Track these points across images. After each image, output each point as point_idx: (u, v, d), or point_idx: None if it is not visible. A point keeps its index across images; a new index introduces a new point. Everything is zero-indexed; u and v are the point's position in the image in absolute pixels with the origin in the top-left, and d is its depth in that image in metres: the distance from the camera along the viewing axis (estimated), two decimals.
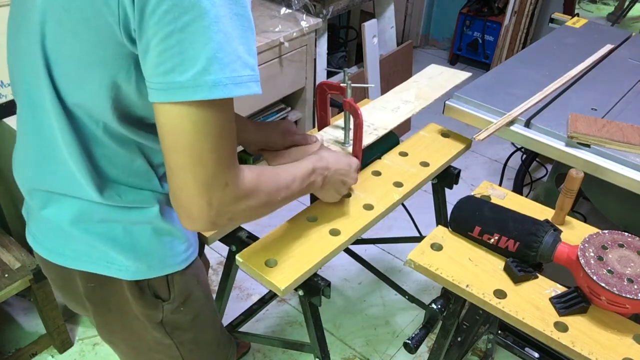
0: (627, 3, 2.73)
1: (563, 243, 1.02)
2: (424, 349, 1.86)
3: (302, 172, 0.96)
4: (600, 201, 1.59)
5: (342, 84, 1.19)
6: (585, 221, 1.18)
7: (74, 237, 0.86)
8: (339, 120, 1.36)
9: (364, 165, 1.28)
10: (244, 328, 1.71)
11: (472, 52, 3.61)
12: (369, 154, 1.30)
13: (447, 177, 1.41)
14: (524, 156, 2.33)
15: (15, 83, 0.86)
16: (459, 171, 1.41)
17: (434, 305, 1.12)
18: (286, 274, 1.01)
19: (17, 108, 0.89)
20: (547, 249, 1.02)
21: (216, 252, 2.19)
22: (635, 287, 0.91)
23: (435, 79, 1.52)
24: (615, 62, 1.63)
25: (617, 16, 2.97)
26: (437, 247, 1.10)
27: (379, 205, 1.18)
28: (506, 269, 1.05)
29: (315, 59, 2.36)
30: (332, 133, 1.33)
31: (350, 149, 1.26)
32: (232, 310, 1.76)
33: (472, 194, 1.20)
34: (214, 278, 2.07)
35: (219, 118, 0.70)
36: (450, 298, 1.14)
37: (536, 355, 1.58)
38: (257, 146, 1.20)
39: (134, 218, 0.85)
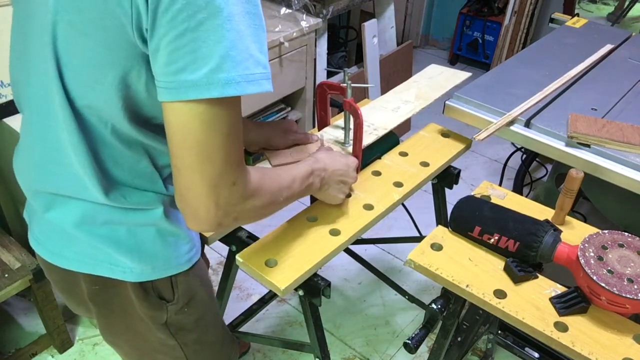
0: (627, 3, 2.73)
1: (563, 243, 1.02)
2: (424, 349, 1.86)
3: (301, 173, 0.96)
4: (600, 201, 1.59)
5: (342, 84, 1.19)
6: (585, 221, 1.18)
7: (77, 239, 0.86)
8: (339, 120, 1.36)
9: (364, 165, 1.28)
10: (244, 328, 1.71)
11: (472, 52, 3.61)
12: (369, 154, 1.30)
13: (447, 177, 1.41)
14: (524, 156, 2.33)
15: (18, 85, 0.85)
16: (459, 171, 1.41)
17: (434, 305, 1.12)
18: (286, 274, 1.01)
19: (19, 110, 0.89)
20: (547, 249, 1.02)
21: (216, 252, 2.19)
22: (635, 287, 0.91)
23: (435, 79, 1.52)
24: (615, 62, 1.63)
25: (617, 16, 2.97)
26: (437, 247, 1.10)
27: (379, 205, 1.18)
28: (506, 269, 1.05)
29: (315, 59, 2.36)
30: (332, 133, 1.33)
31: (350, 149, 1.26)
32: (232, 310, 1.76)
33: (472, 194, 1.20)
34: (214, 278, 2.07)
35: (229, 116, 0.70)
36: (450, 298, 1.14)
37: (536, 355, 1.58)
38: (259, 145, 1.20)
39: (138, 220, 0.85)
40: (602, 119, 1.33)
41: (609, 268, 0.94)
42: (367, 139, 1.28)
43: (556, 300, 0.99)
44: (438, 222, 1.58)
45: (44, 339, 1.81)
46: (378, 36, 2.54)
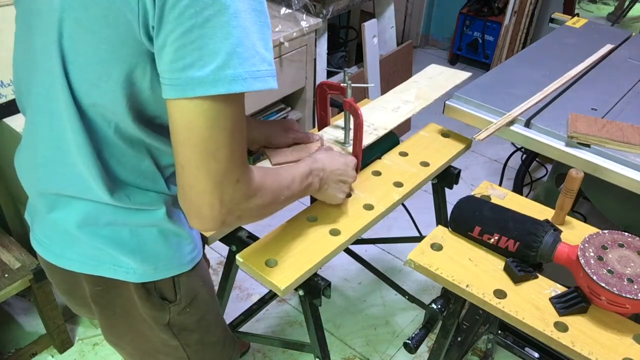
0: (627, 3, 2.73)
1: (563, 243, 1.02)
2: (424, 349, 1.86)
3: (300, 172, 0.97)
4: (600, 201, 1.59)
5: (342, 84, 1.19)
6: (585, 221, 1.18)
7: (80, 240, 0.86)
8: (339, 120, 1.36)
9: (364, 165, 1.28)
10: (244, 328, 1.71)
11: (472, 52, 3.61)
12: (369, 154, 1.30)
13: (447, 177, 1.41)
14: (524, 156, 2.33)
15: (21, 84, 0.85)
16: (459, 171, 1.41)
17: (434, 305, 1.12)
18: (286, 273, 1.01)
19: (20, 110, 0.89)
20: (547, 249, 1.02)
21: (216, 252, 2.19)
22: (635, 287, 0.91)
23: (435, 79, 1.52)
24: (615, 62, 1.63)
25: (617, 16, 2.97)
26: (437, 247, 1.10)
27: (379, 205, 1.18)
28: (506, 269, 1.05)
29: (315, 59, 2.36)
30: (332, 133, 1.33)
31: (350, 149, 1.26)
32: (232, 310, 1.76)
33: (472, 194, 1.20)
34: (214, 278, 2.07)
35: (233, 113, 0.70)
36: (450, 298, 1.14)
37: (536, 355, 1.58)
38: (259, 144, 1.20)
39: (141, 220, 0.85)
40: (602, 119, 1.33)
41: (609, 268, 0.94)
42: (367, 139, 1.28)
43: (556, 300, 0.99)
44: (438, 222, 1.58)
45: (44, 339, 1.81)
46: (378, 36, 2.54)
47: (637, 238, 1.01)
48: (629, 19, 3.19)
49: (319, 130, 1.35)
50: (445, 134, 1.43)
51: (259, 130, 1.19)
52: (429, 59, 3.73)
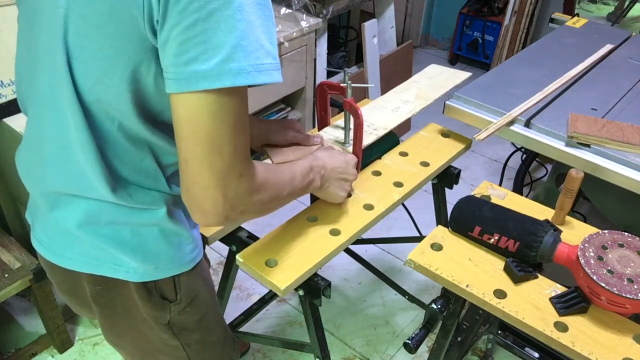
0: (627, 3, 2.73)
1: (563, 243, 1.02)
2: (424, 349, 1.86)
3: (301, 169, 0.97)
4: (600, 201, 1.59)
5: (342, 84, 1.19)
6: (585, 221, 1.18)
7: (81, 240, 0.86)
8: (339, 120, 1.36)
9: (364, 165, 1.28)
10: (244, 328, 1.71)
11: (472, 52, 3.61)
12: (369, 154, 1.30)
13: (447, 177, 1.41)
14: (524, 156, 2.33)
15: (23, 82, 0.85)
16: (459, 171, 1.41)
17: (434, 305, 1.12)
18: (286, 273, 1.01)
19: (22, 109, 0.89)
20: (547, 249, 1.02)
21: (216, 252, 2.19)
22: (635, 287, 0.91)
23: (435, 79, 1.52)
24: (615, 62, 1.63)
25: (617, 16, 2.97)
26: (437, 247, 1.10)
27: (379, 205, 1.18)
28: (506, 269, 1.05)
29: (315, 59, 2.36)
30: (332, 133, 1.33)
31: (350, 149, 1.26)
32: (232, 310, 1.76)
33: (472, 194, 1.20)
34: (214, 278, 2.06)
35: (237, 107, 0.71)
36: (450, 298, 1.14)
37: (536, 355, 1.58)
38: (259, 141, 1.20)
39: (142, 220, 0.85)
40: (602, 119, 1.33)
41: (609, 268, 0.94)
42: (367, 139, 1.28)
43: (556, 300, 0.99)
44: (438, 222, 1.58)
45: (44, 339, 1.81)
46: (378, 36, 2.54)
47: (637, 238, 1.01)
48: (629, 19, 3.19)
49: (319, 130, 1.35)
50: (445, 134, 1.43)
51: (259, 128, 1.19)
52: (429, 59, 3.73)
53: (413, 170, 1.29)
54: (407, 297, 1.82)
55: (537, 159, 2.44)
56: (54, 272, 0.96)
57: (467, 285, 1.02)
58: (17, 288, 1.59)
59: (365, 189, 1.22)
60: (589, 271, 0.94)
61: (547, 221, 1.08)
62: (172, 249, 0.89)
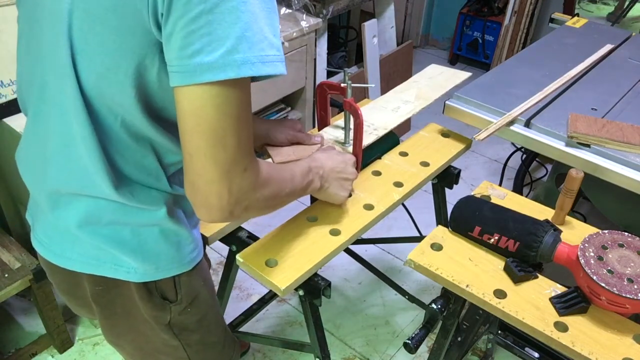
0: (627, 3, 2.73)
1: (563, 243, 1.02)
2: (424, 349, 1.86)
3: (299, 169, 0.97)
4: (600, 201, 1.59)
5: (342, 84, 1.19)
6: (585, 221, 1.18)
7: (81, 240, 0.86)
8: (339, 120, 1.36)
9: (364, 165, 1.28)
10: (244, 328, 1.71)
11: (472, 52, 3.61)
12: (369, 154, 1.30)
13: (447, 177, 1.41)
14: (524, 156, 2.33)
15: (24, 82, 0.85)
16: (459, 171, 1.41)
17: (434, 305, 1.12)
18: (286, 273, 1.01)
19: (21, 107, 0.89)
20: (547, 249, 1.02)
21: (216, 252, 2.19)
22: (635, 287, 0.91)
23: (435, 79, 1.52)
24: (615, 62, 1.63)
25: (617, 16, 2.97)
26: (437, 247, 1.10)
27: (379, 205, 1.18)
28: (506, 269, 1.05)
29: (315, 59, 2.36)
30: (332, 133, 1.33)
31: (350, 149, 1.26)
32: (232, 310, 1.76)
33: (472, 194, 1.20)
34: (214, 278, 2.07)
35: (241, 100, 0.71)
36: (450, 298, 1.14)
37: (536, 355, 1.58)
38: (260, 141, 1.20)
39: (142, 220, 0.85)
40: (602, 119, 1.33)
41: (609, 268, 0.94)
42: (367, 139, 1.28)
43: (556, 300, 0.99)
44: (438, 222, 1.58)
45: (44, 339, 1.81)
46: (378, 36, 2.54)
47: (637, 238, 1.01)
48: (629, 19, 3.19)
49: (319, 130, 1.35)
50: (445, 134, 1.43)
51: (260, 127, 1.19)
52: (429, 59, 3.73)
53: (413, 170, 1.29)
54: (407, 297, 1.82)
55: (537, 159, 2.44)
56: (53, 272, 0.96)
57: (467, 285, 1.02)
58: (17, 288, 1.59)
59: (365, 189, 1.22)
60: (589, 271, 0.94)
61: (547, 221, 1.08)
62: (172, 249, 0.89)
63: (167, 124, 0.80)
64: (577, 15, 2.00)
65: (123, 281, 0.89)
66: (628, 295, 0.90)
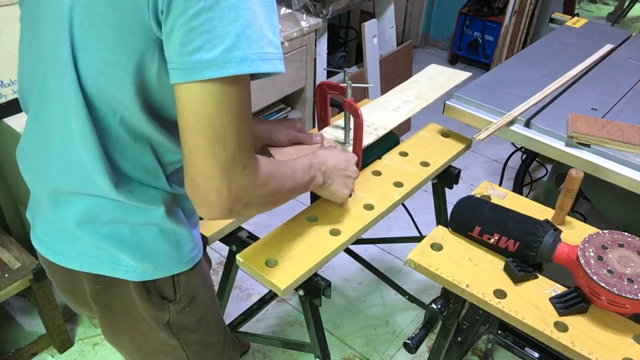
0: (627, 3, 2.73)
1: (563, 243, 1.02)
2: (424, 349, 1.86)
3: (301, 165, 0.97)
4: (600, 201, 1.59)
5: (342, 84, 1.19)
6: (585, 221, 1.18)
7: (80, 238, 0.86)
8: (339, 120, 1.36)
9: (364, 165, 1.28)
10: (244, 328, 1.71)
11: (472, 52, 3.61)
12: (369, 154, 1.30)
13: (447, 177, 1.41)
14: (524, 156, 2.33)
15: (25, 81, 0.85)
16: (459, 171, 1.41)
17: (434, 305, 1.12)
18: (286, 273, 1.01)
19: (22, 106, 0.89)
20: (547, 249, 1.02)
21: (216, 252, 2.19)
22: (635, 287, 0.91)
23: (435, 79, 1.52)
24: (615, 62, 1.63)
25: (617, 16, 2.97)
26: (437, 247, 1.10)
27: (379, 205, 1.18)
28: (506, 269, 1.05)
29: (315, 59, 2.36)
30: (332, 133, 1.33)
31: (350, 149, 1.26)
32: (232, 310, 1.76)
33: (472, 194, 1.20)
34: (214, 278, 2.06)
35: (241, 97, 0.71)
36: (450, 298, 1.14)
37: (536, 355, 1.58)
38: (261, 141, 1.20)
39: (141, 219, 0.85)
40: (602, 119, 1.33)
41: (609, 268, 0.94)
42: (367, 139, 1.28)
43: (556, 300, 0.99)
44: (438, 222, 1.58)
45: (44, 339, 1.81)
46: (378, 36, 2.54)
47: (637, 238, 1.01)
48: (629, 19, 3.19)
49: (319, 130, 1.35)
50: (445, 134, 1.43)
51: (260, 128, 1.19)
52: (429, 59, 3.73)
53: (413, 170, 1.29)
54: (407, 297, 1.82)
55: (537, 159, 2.44)
56: (53, 270, 0.96)
57: (467, 285, 1.02)
58: (17, 288, 1.59)
59: (365, 189, 1.22)
60: (589, 271, 0.94)
61: (547, 221, 1.08)
62: (171, 248, 0.89)
63: (166, 122, 0.80)
64: (577, 15, 2.00)
65: (122, 280, 0.89)
66: (628, 295, 0.90)
